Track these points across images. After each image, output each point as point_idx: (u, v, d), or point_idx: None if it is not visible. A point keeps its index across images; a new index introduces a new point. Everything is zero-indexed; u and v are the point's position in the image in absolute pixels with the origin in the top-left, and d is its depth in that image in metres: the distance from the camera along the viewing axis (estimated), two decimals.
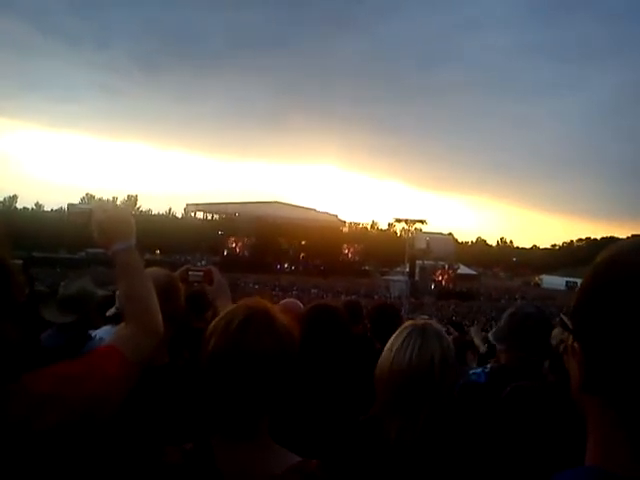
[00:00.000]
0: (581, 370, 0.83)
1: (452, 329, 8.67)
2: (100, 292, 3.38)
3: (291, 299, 4.04)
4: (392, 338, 1.97)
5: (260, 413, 1.37)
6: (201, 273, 2.50)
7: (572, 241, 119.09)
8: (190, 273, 2.48)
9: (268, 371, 1.34)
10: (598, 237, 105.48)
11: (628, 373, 0.76)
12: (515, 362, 2.55)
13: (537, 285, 69.12)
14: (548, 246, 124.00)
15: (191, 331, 3.37)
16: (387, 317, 3.82)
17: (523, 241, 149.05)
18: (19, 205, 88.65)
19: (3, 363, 1.08)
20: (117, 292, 2.62)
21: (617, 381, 0.78)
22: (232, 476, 1.32)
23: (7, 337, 1.08)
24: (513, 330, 2.60)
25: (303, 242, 70.91)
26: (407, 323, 2.03)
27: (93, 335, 3.00)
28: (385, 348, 1.96)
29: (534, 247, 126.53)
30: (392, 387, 1.88)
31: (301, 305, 3.68)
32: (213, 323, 1.42)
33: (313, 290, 43.75)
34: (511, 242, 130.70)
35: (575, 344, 0.84)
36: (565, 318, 0.87)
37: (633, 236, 0.85)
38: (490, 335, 2.80)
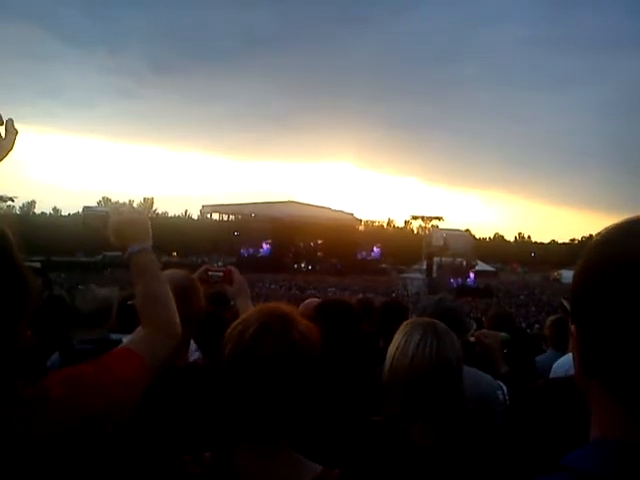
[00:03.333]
0: (579, 353, 0.84)
1: None
2: (115, 294, 3.36)
3: (314, 299, 4.03)
4: (401, 337, 1.94)
5: (280, 422, 1.34)
6: (220, 273, 2.50)
7: (591, 235, 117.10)
8: (210, 273, 2.48)
9: (285, 380, 1.32)
10: None
11: (623, 355, 0.76)
12: None
13: (556, 280, 68.38)
14: (567, 241, 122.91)
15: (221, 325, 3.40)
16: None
17: (541, 236, 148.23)
18: (37, 210, 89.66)
19: (20, 367, 1.07)
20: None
21: (613, 363, 0.77)
22: None
23: (23, 341, 1.08)
24: None
25: (319, 241, 70.86)
26: (411, 321, 2.01)
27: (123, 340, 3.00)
28: (396, 347, 1.93)
29: (552, 242, 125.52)
30: (411, 388, 1.85)
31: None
32: (229, 330, 1.40)
33: (330, 289, 43.55)
34: (529, 237, 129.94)
35: (573, 327, 0.85)
36: (565, 302, 0.89)
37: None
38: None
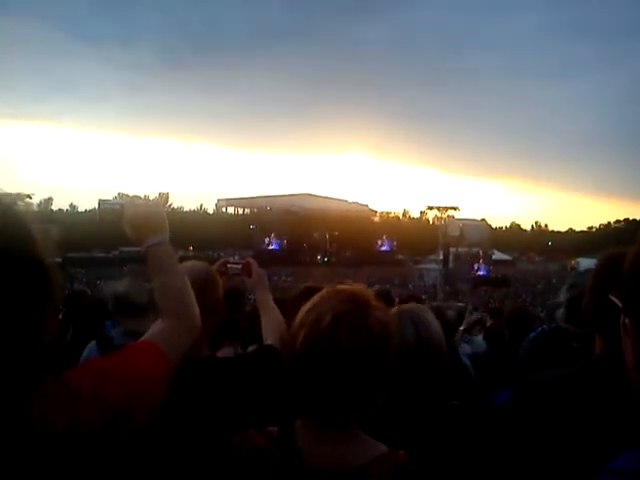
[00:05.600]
0: (635, 346, 0.80)
1: (488, 317, 8.54)
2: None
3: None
4: None
5: (350, 407, 1.32)
6: (239, 265, 2.51)
7: (609, 222, 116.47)
8: (229, 266, 2.49)
9: (359, 369, 1.29)
10: (637, 217, 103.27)
11: None
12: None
13: (574, 269, 67.78)
14: (584, 228, 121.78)
15: (230, 323, 3.41)
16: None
17: (558, 224, 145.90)
18: (54, 207, 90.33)
19: (44, 361, 1.08)
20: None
21: None
22: (316, 462, 1.29)
23: (48, 335, 1.09)
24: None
25: (335, 233, 70.81)
26: (392, 310, 2.01)
27: None
28: None
29: (570, 230, 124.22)
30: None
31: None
32: (301, 314, 1.38)
33: (347, 281, 43.49)
34: (546, 226, 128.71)
35: (627, 320, 0.82)
36: (614, 298, 0.84)
37: None
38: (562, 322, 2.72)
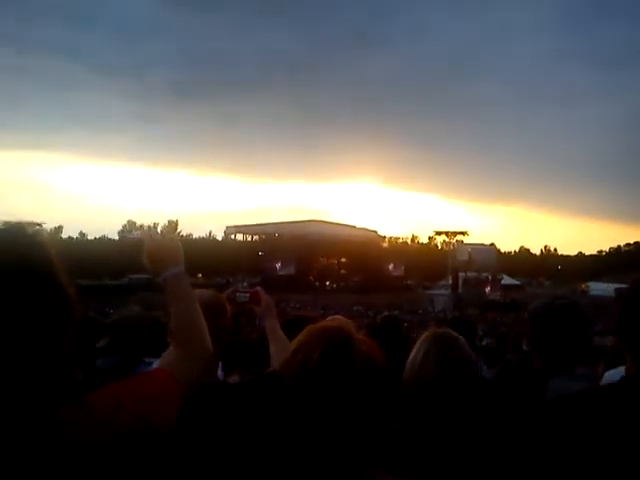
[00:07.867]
0: None
1: (494, 342, 8.45)
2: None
3: (339, 317, 3.98)
4: (415, 349, 2.04)
5: (330, 456, 1.23)
6: (248, 294, 2.56)
7: (619, 246, 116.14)
8: (237, 294, 2.54)
9: (347, 409, 1.23)
10: None
11: None
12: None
13: (584, 292, 67.28)
14: (594, 252, 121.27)
15: (241, 346, 3.43)
16: None
17: (567, 248, 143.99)
18: (64, 235, 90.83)
19: (67, 380, 1.13)
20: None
21: None
22: None
23: (70, 355, 1.14)
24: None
25: (343, 259, 70.88)
26: (427, 333, 2.09)
27: (150, 363, 2.98)
28: (409, 359, 2.03)
29: (579, 254, 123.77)
30: (419, 398, 1.94)
31: (350, 323, 3.71)
32: (290, 356, 1.32)
33: (355, 307, 43.45)
34: (555, 250, 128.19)
35: None
36: None
37: None
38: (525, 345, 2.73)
